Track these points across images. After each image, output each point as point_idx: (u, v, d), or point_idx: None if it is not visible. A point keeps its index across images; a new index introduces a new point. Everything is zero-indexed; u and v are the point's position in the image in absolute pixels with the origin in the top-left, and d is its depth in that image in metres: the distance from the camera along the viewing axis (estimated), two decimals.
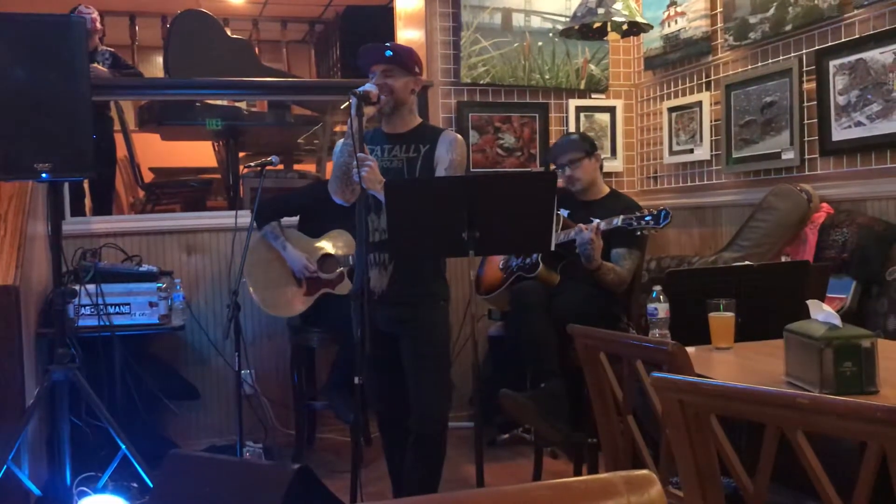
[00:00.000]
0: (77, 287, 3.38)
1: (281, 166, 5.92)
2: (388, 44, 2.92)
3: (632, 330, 3.52)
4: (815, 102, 3.60)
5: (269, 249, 3.95)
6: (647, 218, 3.19)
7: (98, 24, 5.21)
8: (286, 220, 4.04)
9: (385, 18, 5.84)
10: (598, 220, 3.32)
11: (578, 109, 4.80)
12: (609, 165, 4.71)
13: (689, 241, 4.49)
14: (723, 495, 1.49)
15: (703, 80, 4.33)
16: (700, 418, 1.44)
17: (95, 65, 4.82)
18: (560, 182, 3.47)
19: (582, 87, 4.78)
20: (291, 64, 8.56)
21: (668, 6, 4.47)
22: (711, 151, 4.29)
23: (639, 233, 3.26)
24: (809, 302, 1.94)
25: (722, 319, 2.36)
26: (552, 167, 3.64)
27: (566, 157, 3.56)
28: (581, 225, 3.30)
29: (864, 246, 3.19)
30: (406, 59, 2.87)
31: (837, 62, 3.47)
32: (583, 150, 3.55)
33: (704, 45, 4.25)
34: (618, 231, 3.30)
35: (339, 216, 3.83)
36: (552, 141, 4.66)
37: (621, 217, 3.25)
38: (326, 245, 3.97)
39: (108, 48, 5.42)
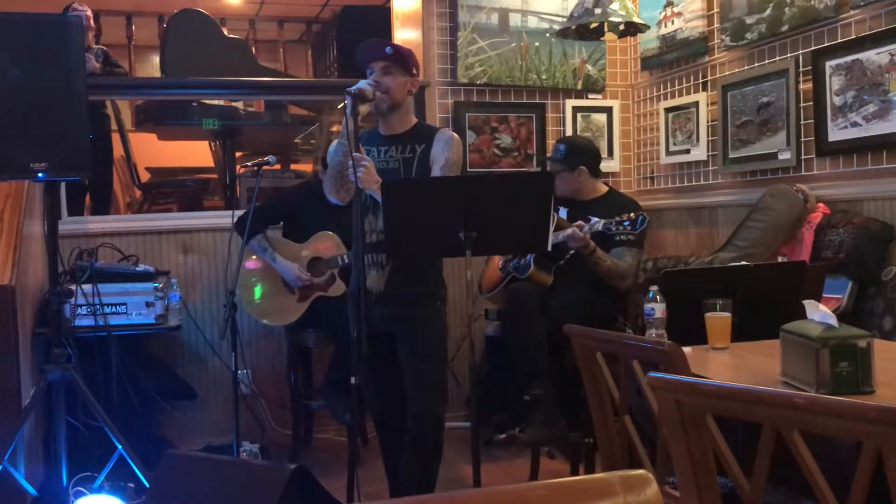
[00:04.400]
0: (73, 287, 3.37)
1: (278, 166, 5.92)
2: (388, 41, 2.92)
3: (628, 330, 3.53)
4: (812, 103, 3.60)
5: (257, 260, 3.95)
6: (625, 223, 3.31)
7: (91, 23, 5.20)
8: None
9: (382, 18, 5.82)
10: (583, 223, 3.38)
11: (575, 110, 4.80)
12: (606, 165, 4.71)
13: (685, 242, 4.49)
14: (719, 495, 1.49)
15: (700, 80, 4.33)
16: (696, 418, 1.44)
17: (88, 55, 4.80)
18: None
19: (579, 87, 4.79)
20: (288, 64, 8.56)
21: (665, 6, 4.47)
22: (708, 152, 4.29)
23: (618, 237, 3.40)
24: (806, 302, 1.95)
25: (718, 319, 2.36)
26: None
27: (549, 166, 3.77)
28: (574, 227, 3.35)
29: (860, 246, 3.20)
30: (405, 59, 2.86)
31: (834, 63, 3.48)
32: (562, 166, 3.67)
33: (701, 45, 4.25)
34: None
35: (324, 218, 3.84)
36: (549, 141, 4.67)
37: (602, 222, 3.33)
38: (313, 249, 3.96)
39: (101, 47, 5.41)
